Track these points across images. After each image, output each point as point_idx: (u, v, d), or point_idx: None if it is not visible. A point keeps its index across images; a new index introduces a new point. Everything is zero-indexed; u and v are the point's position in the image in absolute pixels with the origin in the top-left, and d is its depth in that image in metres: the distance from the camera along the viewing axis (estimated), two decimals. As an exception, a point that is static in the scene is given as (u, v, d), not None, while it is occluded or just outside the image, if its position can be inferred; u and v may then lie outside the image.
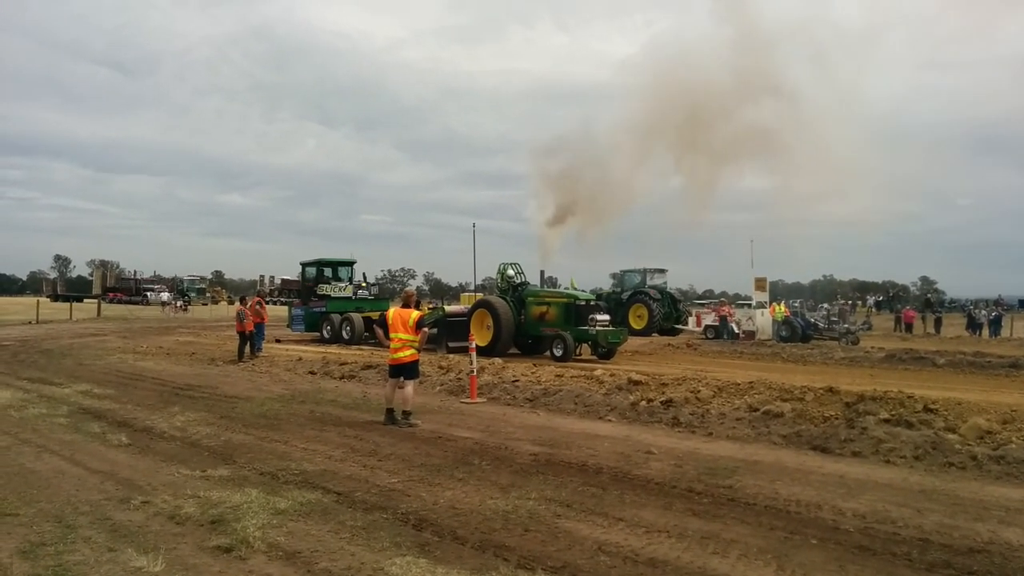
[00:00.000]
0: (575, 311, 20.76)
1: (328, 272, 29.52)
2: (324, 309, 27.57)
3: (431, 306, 25.29)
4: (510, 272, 22.92)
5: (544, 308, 21.44)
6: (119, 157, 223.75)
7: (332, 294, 28.44)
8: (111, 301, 64.93)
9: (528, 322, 21.66)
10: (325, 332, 26.73)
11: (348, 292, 29.05)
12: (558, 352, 19.95)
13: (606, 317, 21.30)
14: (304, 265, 30.12)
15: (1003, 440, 8.36)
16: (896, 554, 5.26)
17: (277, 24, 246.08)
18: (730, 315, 34.07)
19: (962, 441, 8.47)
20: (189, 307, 58.06)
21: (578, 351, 20.50)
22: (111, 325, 36.55)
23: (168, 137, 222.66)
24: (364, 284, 30.19)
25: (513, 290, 22.50)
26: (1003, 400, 10.74)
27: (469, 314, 22.27)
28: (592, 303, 21.94)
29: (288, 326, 29.96)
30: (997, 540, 5.57)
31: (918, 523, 5.97)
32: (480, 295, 28.14)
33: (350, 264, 30.48)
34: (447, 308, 24.79)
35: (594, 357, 20.48)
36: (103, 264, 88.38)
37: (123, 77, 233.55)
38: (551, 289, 23.83)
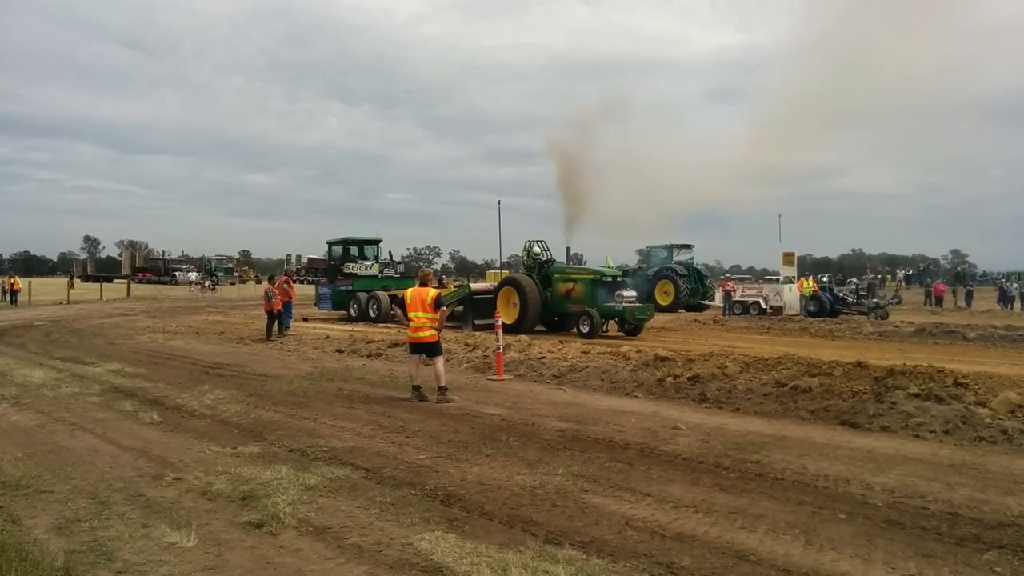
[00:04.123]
0: (602, 287, 20.70)
1: (354, 251, 29.59)
2: (351, 287, 27.71)
3: (456, 284, 25.28)
4: (536, 250, 22.82)
5: (571, 285, 21.37)
6: (143, 138, 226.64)
7: (358, 272, 28.55)
8: (140, 281, 65.86)
9: (555, 299, 21.62)
10: (352, 311, 26.93)
11: (374, 270, 29.18)
12: (585, 329, 19.90)
13: (633, 293, 21.17)
14: (330, 244, 30.24)
15: (1036, 414, 8.24)
16: (925, 528, 5.22)
17: (295, 1, 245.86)
18: (734, 290, 33.97)
19: (993, 415, 8.36)
20: (217, 287, 58.72)
21: (605, 328, 20.45)
22: (141, 305, 37.10)
23: (191, 117, 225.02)
24: (391, 262, 30.29)
25: (539, 267, 22.42)
26: (1036, 374, 10.56)
27: (496, 292, 22.27)
28: (619, 279, 21.85)
29: (315, 304, 30.17)
30: (1029, 515, 5.50)
31: (948, 497, 5.92)
32: (506, 272, 28.09)
33: (376, 242, 30.55)
34: (473, 286, 24.78)
35: (620, 334, 20.41)
36: (132, 245, 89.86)
37: (144, 57, 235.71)
38: (577, 266, 23.71)
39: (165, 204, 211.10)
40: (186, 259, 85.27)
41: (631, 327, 20.45)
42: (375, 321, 25.19)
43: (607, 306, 20.22)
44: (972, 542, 4.96)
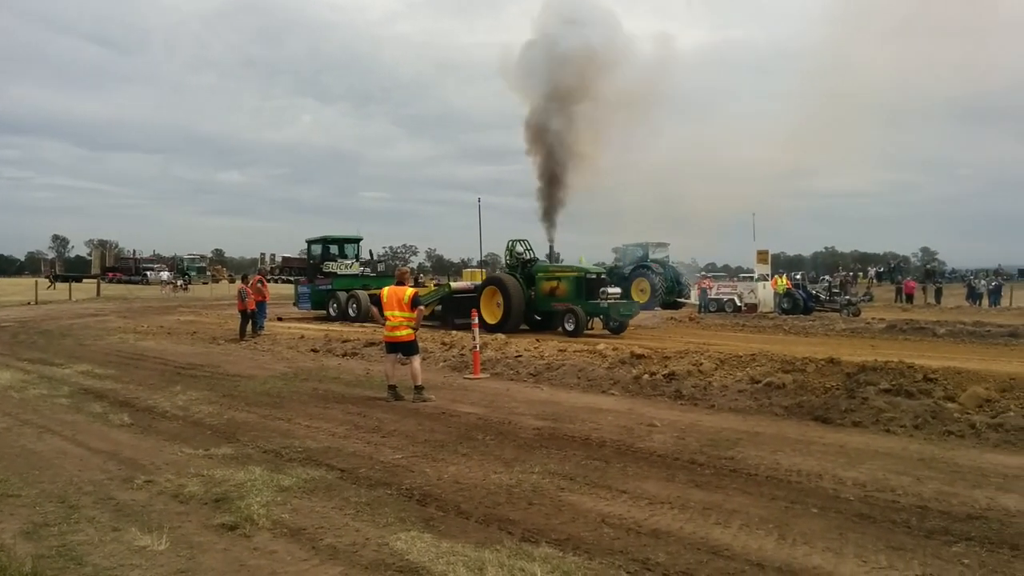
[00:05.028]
0: (586, 285, 20.57)
1: (334, 249, 29.25)
2: (330, 287, 27.43)
3: (436, 283, 25.08)
4: (519, 249, 22.65)
5: (555, 283, 21.24)
6: (113, 135, 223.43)
7: (339, 271, 28.26)
8: (110, 281, 64.94)
9: (538, 298, 21.50)
10: (332, 310, 26.69)
11: (355, 269, 28.91)
12: (570, 327, 19.81)
13: (617, 290, 21.18)
14: (310, 243, 29.81)
15: (1002, 408, 8.39)
16: (895, 522, 5.30)
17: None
18: (709, 288, 34.26)
19: (961, 410, 8.50)
20: (189, 286, 58.05)
21: (590, 325, 20.43)
22: (111, 305, 36.57)
23: (161, 115, 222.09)
24: (371, 261, 30.00)
25: (522, 267, 22.25)
26: (1002, 369, 10.74)
27: (479, 291, 22.08)
28: (602, 277, 21.85)
29: (294, 304, 29.83)
30: (995, 507, 5.60)
31: (917, 491, 6.01)
32: (483, 271, 27.98)
33: (356, 241, 30.23)
34: (453, 284, 24.53)
35: (605, 333, 20.41)
36: (102, 244, 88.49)
37: (113, 53, 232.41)
38: (561, 264, 23.64)
39: (136, 202, 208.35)
40: (158, 258, 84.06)
41: (616, 325, 20.47)
42: (355, 320, 24.96)
43: (592, 304, 20.17)
44: (941, 534, 5.04)
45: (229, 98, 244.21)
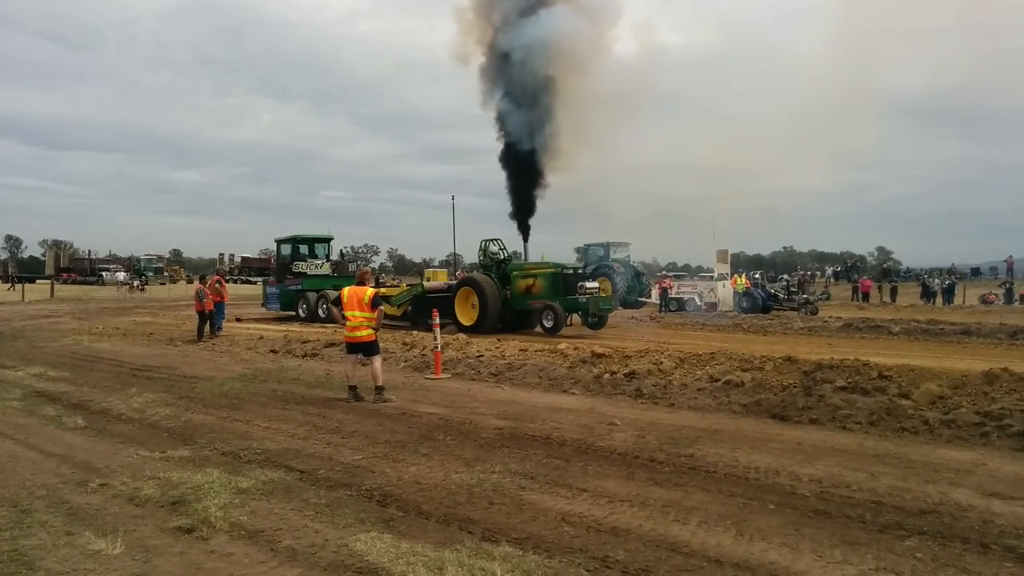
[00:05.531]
0: (563, 281, 20.29)
1: (304, 249, 28.67)
2: (300, 287, 26.89)
3: (407, 284, 24.60)
4: (493, 248, 22.20)
5: (531, 281, 20.83)
6: (67, 134, 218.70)
7: (308, 272, 27.74)
8: (65, 282, 63.42)
9: (514, 297, 21.08)
10: (301, 311, 26.13)
11: (325, 269, 28.41)
12: (548, 323, 19.47)
13: (595, 285, 20.87)
14: (279, 242, 29.15)
15: (954, 405, 8.59)
16: (850, 517, 5.40)
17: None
18: (670, 287, 34.64)
19: (915, 406, 8.69)
20: (146, 287, 56.97)
21: (569, 322, 20.16)
22: (65, 306, 35.72)
23: (116, 113, 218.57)
24: (343, 260, 29.58)
25: (497, 266, 21.83)
26: (955, 366, 11.02)
27: (453, 292, 21.66)
28: (580, 271, 21.58)
29: (263, 305, 29.23)
30: (947, 501, 5.73)
31: (872, 486, 6.12)
32: (446, 271, 27.73)
33: (327, 240, 29.74)
34: (427, 285, 23.97)
35: (577, 333, 20.20)
36: (56, 244, 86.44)
37: (66, 51, 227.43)
38: (536, 261, 22.98)
39: (91, 202, 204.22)
40: (113, 259, 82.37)
41: (595, 320, 20.27)
42: (325, 322, 24.39)
43: (570, 299, 19.88)
44: (894, 529, 5.15)
45: (186, 96, 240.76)
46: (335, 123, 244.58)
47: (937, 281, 43.78)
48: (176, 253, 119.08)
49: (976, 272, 60.15)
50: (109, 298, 44.22)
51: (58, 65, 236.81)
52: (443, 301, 20.53)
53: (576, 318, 20.93)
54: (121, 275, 65.02)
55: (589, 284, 20.48)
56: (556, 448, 7.54)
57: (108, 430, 8.50)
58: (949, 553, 4.72)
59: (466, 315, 20.67)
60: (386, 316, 22.45)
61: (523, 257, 23.67)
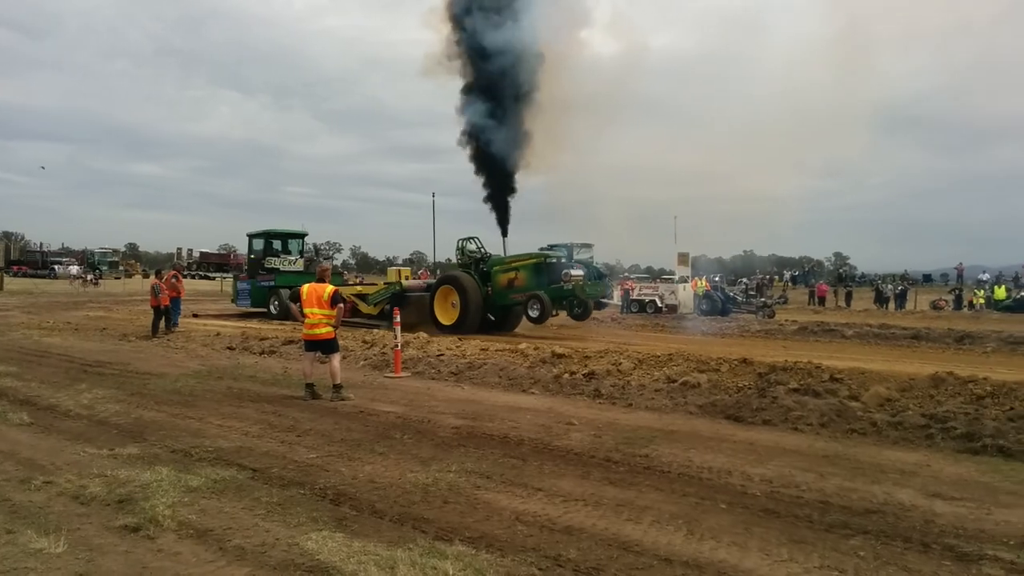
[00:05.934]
0: (547, 270, 19.89)
1: (277, 244, 28.08)
2: (272, 283, 26.26)
3: (384, 283, 24.14)
4: (471, 247, 21.72)
5: (513, 274, 20.25)
6: (19, 123, 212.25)
7: (281, 268, 27.14)
8: (15, 275, 61.83)
9: (496, 293, 20.43)
10: (273, 307, 25.50)
11: (299, 266, 27.77)
12: (534, 313, 19.00)
13: (580, 272, 20.45)
14: (251, 236, 28.28)
15: (901, 407, 8.80)
16: (799, 516, 5.49)
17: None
18: (632, 289, 34.93)
19: (864, 408, 8.87)
20: (100, 281, 55.80)
21: (555, 313, 19.81)
22: (14, 300, 34.82)
23: (73, 103, 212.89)
24: (316, 257, 29.19)
25: (476, 264, 21.29)
26: (903, 369, 11.26)
27: (432, 290, 21.18)
28: (563, 260, 21.14)
29: (233, 301, 28.52)
30: (891, 501, 5.87)
31: (820, 487, 6.24)
32: (411, 269, 27.43)
33: (301, 236, 29.22)
34: (404, 283, 23.27)
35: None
36: (6, 236, 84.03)
37: (20, 36, 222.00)
38: (517, 253, 22.36)
39: (44, 193, 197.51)
40: (67, 251, 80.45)
41: (580, 311, 19.98)
42: (282, 318, 24.00)
43: (555, 288, 19.42)
44: (840, 528, 5.25)
45: (146, 87, 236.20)
46: (298, 118, 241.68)
47: (890, 287, 44.71)
48: (132, 247, 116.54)
49: (928, 278, 61.48)
50: (61, 292, 43.22)
51: (11, 51, 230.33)
52: (420, 300, 20.26)
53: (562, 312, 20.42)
54: (74, 268, 63.45)
55: (574, 272, 20.11)
56: (513, 447, 7.56)
57: (55, 427, 8.31)
58: (891, 552, 4.83)
59: (445, 314, 20.22)
60: (362, 315, 22.30)
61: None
